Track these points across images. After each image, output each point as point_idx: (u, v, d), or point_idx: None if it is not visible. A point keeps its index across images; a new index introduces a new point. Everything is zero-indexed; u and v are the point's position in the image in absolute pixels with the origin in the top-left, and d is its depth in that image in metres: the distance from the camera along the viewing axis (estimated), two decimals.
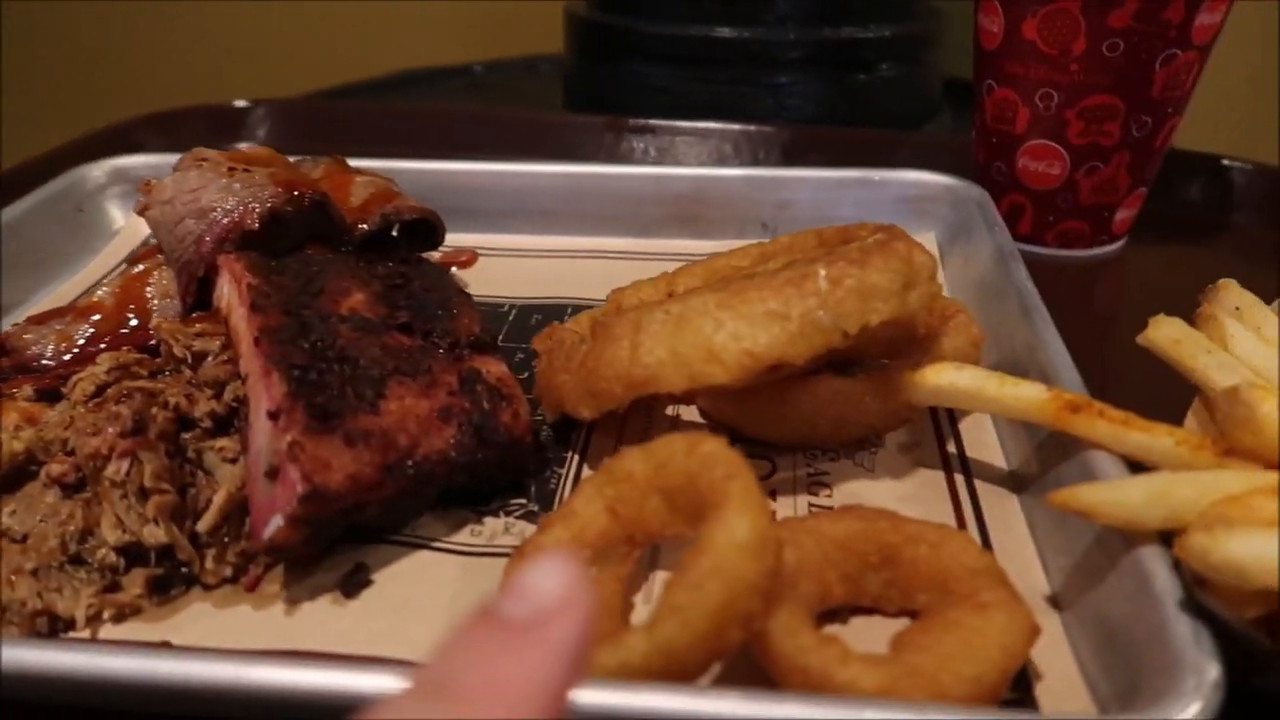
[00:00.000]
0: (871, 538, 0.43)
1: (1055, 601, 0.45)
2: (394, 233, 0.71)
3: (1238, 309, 0.51)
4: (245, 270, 0.55)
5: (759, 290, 0.47)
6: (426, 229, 0.71)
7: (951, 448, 0.55)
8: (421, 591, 0.46)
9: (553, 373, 0.53)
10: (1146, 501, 0.39)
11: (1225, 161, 0.87)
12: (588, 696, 0.33)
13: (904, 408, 0.53)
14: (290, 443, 0.44)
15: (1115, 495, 0.39)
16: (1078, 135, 0.72)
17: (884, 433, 0.56)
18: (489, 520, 0.51)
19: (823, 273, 0.47)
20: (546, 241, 0.80)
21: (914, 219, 0.76)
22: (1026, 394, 0.47)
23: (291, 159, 0.74)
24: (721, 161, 0.93)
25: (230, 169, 0.61)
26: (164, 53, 1.61)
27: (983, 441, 0.56)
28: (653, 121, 0.98)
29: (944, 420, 0.57)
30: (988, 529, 0.49)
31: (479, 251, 0.79)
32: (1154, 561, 0.39)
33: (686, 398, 0.59)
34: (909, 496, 0.52)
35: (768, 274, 0.48)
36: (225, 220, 0.59)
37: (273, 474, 0.44)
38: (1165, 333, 0.48)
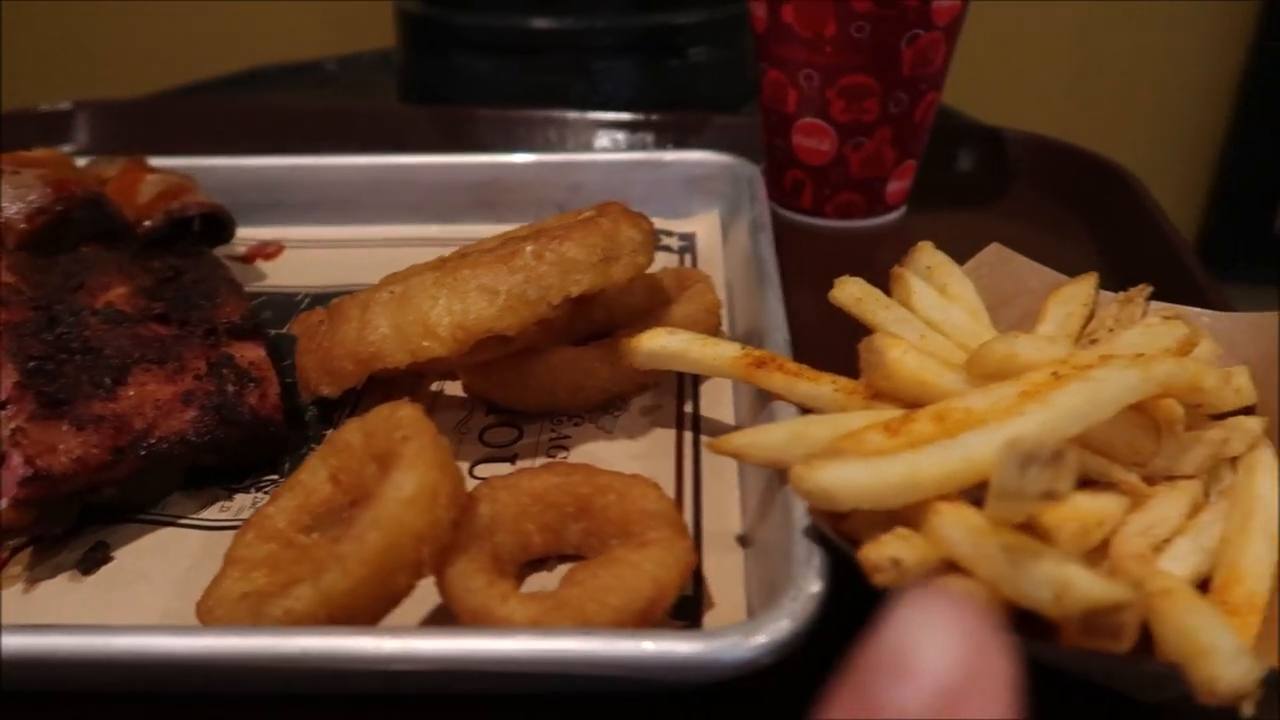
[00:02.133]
0: (567, 490, 0.47)
1: (743, 540, 0.49)
2: (195, 228, 0.73)
3: (929, 268, 0.56)
4: (6, 269, 0.57)
5: (472, 268, 0.51)
6: (218, 224, 0.74)
7: (689, 408, 0.59)
8: (159, 565, 0.49)
9: (300, 354, 0.56)
10: (787, 442, 0.44)
11: (999, 132, 0.93)
12: (235, 643, 0.37)
13: (638, 373, 0.57)
14: (14, 429, 0.46)
15: (759, 438, 0.44)
16: (841, 113, 0.77)
17: (627, 397, 0.60)
18: (239, 496, 0.53)
19: (528, 249, 0.51)
20: (352, 232, 0.82)
21: (700, 197, 0.81)
22: (722, 353, 0.51)
23: (84, 160, 0.76)
24: (534, 148, 0.96)
25: None
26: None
27: (719, 401, 0.60)
28: (476, 110, 1.01)
29: (688, 384, 0.61)
30: (701, 479, 0.53)
31: (284, 243, 0.81)
32: (794, 495, 0.43)
33: (448, 373, 0.62)
34: (639, 454, 0.56)
35: (482, 252, 0.52)
36: None
37: (1, 460, 0.46)
38: (848, 292, 0.53)
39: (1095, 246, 0.80)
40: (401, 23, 1.11)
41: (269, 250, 0.81)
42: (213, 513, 0.52)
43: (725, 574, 0.47)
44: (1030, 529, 0.38)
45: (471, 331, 0.49)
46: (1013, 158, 0.92)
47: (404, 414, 0.44)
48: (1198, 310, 0.57)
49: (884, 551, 0.37)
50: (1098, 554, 0.41)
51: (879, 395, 0.46)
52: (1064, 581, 0.32)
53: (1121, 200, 0.81)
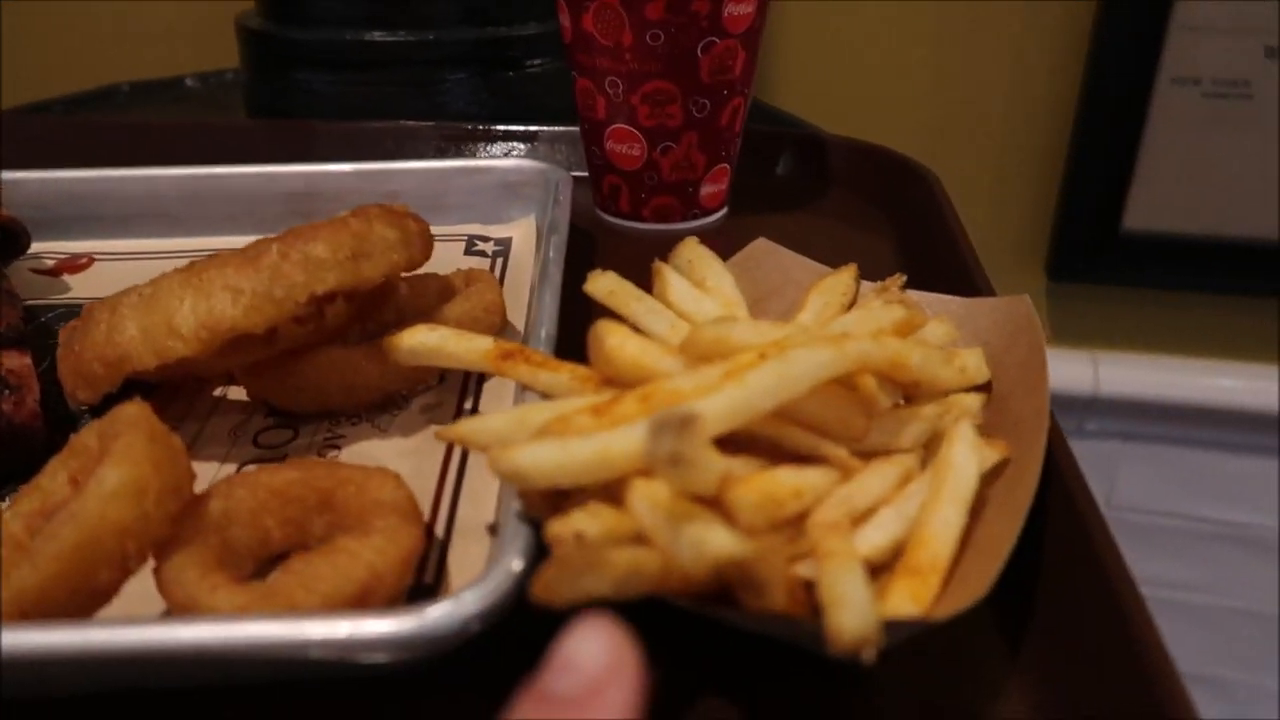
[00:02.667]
0: (309, 484, 0.47)
1: (493, 528, 0.50)
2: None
3: (690, 262, 0.58)
4: None
5: (220, 269, 0.51)
6: (13, 237, 0.73)
7: (469, 404, 0.60)
8: None
9: (60, 361, 0.55)
10: (509, 428, 0.45)
11: (820, 136, 0.96)
12: None
13: (411, 370, 0.58)
14: None
15: (483, 424, 0.45)
16: (646, 118, 0.79)
17: (408, 395, 0.61)
18: None
19: (275, 249, 0.51)
20: (168, 244, 0.82)
21: (517, 203, 0.82)
22: (475, 346, 0.52)
23: None
24: (372, 159, 0.96)
25: None
26: None
27: (500, 396, 0.61)
28: (313, 124, 1.00)
29: (471, 382, 0.62)
30: (465, 472, 0.54)
31: (95, 256, 0.80)
32: None
33: (231, 376, 0.62)
34: (410, 451, 0.56)
35: (231, 253, 0.52)
36: None
37: None
38: (602, 284, 0.54)
39: (896, 241, 0.83)
40: (243, 39, 1.11)
41: (79, 263, 0.79)
42: None
43: (470, 561, 0.48)
44: (718, 503, 0.39)
45: (216, 331, 0.50)
46: (831, 160, 0.95)
47: (124, 412, 0.44)
48: (949, 297, 0.59)
49: (570, 525, 0.38)
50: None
51: (609, 381, 0.47)
52: (700, 541, 0.33)
53: (920, 198, 0.85)
